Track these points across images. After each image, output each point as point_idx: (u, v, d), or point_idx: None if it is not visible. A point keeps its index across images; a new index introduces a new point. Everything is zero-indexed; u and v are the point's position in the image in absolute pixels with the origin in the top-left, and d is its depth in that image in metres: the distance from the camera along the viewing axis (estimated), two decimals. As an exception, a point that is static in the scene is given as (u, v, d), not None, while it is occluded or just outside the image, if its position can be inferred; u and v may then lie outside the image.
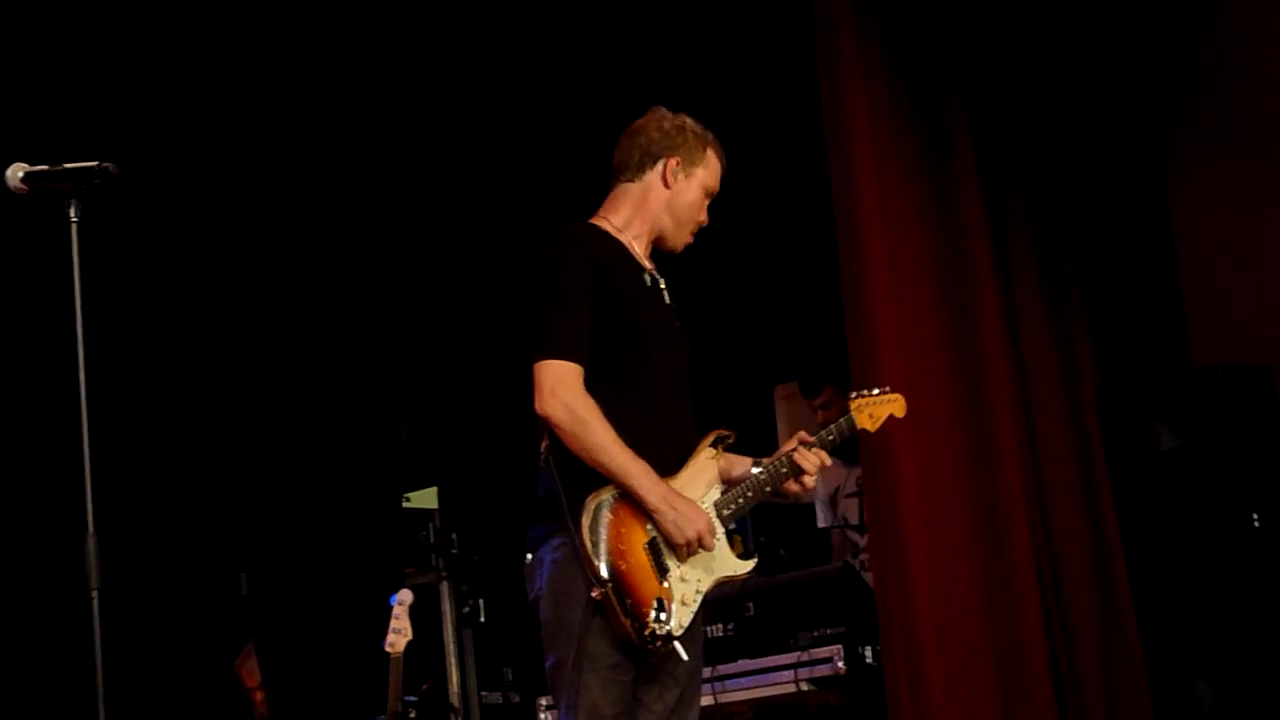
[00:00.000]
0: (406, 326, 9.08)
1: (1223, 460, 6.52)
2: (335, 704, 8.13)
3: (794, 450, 4.58)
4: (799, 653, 6.38)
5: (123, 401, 7.47)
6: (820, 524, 7.61)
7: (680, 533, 4.37)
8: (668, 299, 4.68)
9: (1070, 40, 7.08)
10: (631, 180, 4.68)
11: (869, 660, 6.25)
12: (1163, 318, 7.31)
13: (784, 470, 4.59)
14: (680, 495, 4.42)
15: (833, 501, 7.53)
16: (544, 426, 4.44)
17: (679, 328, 4.68)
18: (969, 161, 6.54)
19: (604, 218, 4.68)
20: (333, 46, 8.01)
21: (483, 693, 8.06)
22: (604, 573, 4.26)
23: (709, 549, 4.44)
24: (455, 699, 7.94)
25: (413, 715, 7.49)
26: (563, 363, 4.40)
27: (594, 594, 4.25)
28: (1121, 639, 6.44)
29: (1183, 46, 7.39)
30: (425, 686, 7.88)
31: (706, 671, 6.29)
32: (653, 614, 4.27)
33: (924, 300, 6.37)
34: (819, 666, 6.31)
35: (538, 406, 4.39)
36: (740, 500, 4.56)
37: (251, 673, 8.28)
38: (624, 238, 4.64)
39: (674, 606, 4.32)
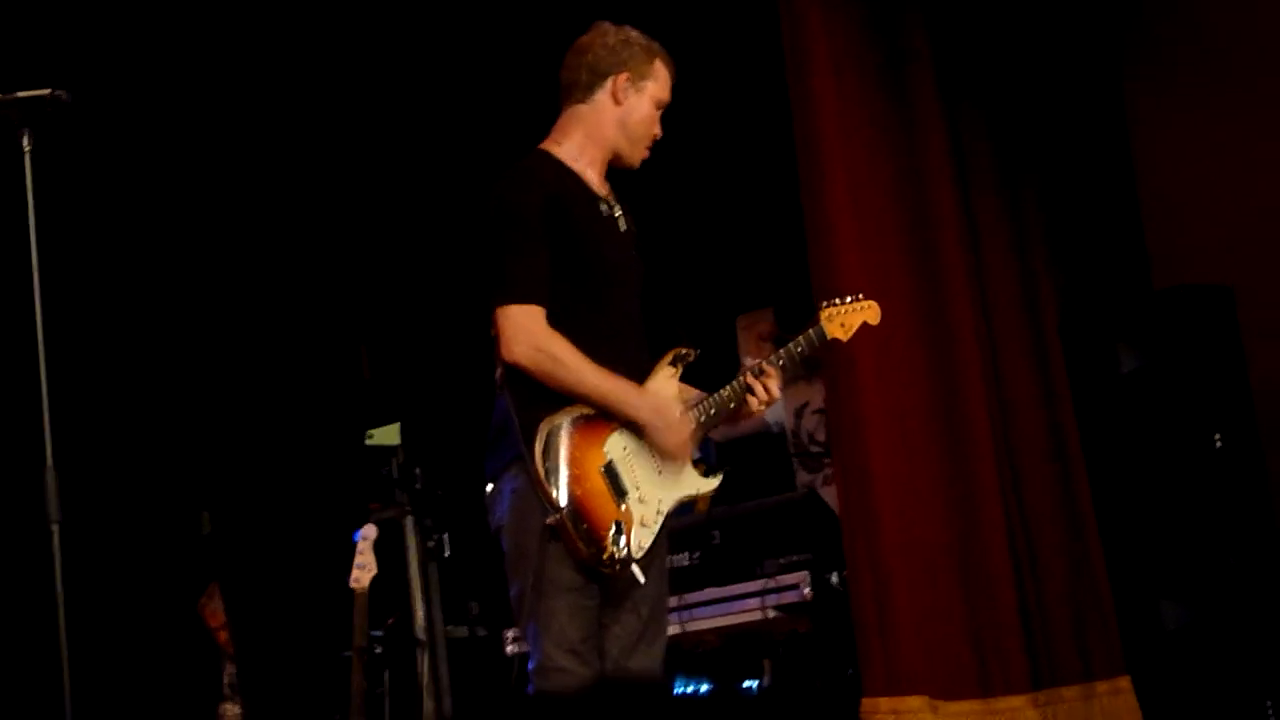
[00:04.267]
0: (367, 261, 9.02)
1: (1184, 381, 6.52)
2: (300, 641, 8.11)
3: (751, 369, 4.55)
4: (765, 580, 6.38)
5: (81, 336, 7.40)
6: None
7: (675, 440, 4.37)
8: (623, 226, 4.63)
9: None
10: (582, 101, 4.62)
11: (835, 585, 6.26)
12: (1123, 239, 7.30)
13: (747, 388, 4.55)
14: (664, 401, 4.40)
15: (799, 415, 7.47)
16: (498, 355, 4.40)
17: (635, 256, 4.64)
18: (929, 81, 6.51)
19: (556, 142, 4.62)
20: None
21: (448, 627, 8.03)
22: (559, 499, 4.22)
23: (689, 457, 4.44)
24: (421, 633, 7.91)
25: (378, 650, 7.47)
26: (524, 307, 4.34)
27: (549, 520, 4.22)
28: (1086, 560, 6.43)
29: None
30: (390, 621, 7.85)
31: (673, 601, 6.31)
32: (610, 537, 4.25)
33: (886, 219, 6.35)
34: (786, 593, 6.31)
35: (505, 354, 4.33)
36: (706, 416, 4.52)
37: (215, 613, 8.23)
38: (577, 166, 4.58)
39: (633, 529, 4.30)
